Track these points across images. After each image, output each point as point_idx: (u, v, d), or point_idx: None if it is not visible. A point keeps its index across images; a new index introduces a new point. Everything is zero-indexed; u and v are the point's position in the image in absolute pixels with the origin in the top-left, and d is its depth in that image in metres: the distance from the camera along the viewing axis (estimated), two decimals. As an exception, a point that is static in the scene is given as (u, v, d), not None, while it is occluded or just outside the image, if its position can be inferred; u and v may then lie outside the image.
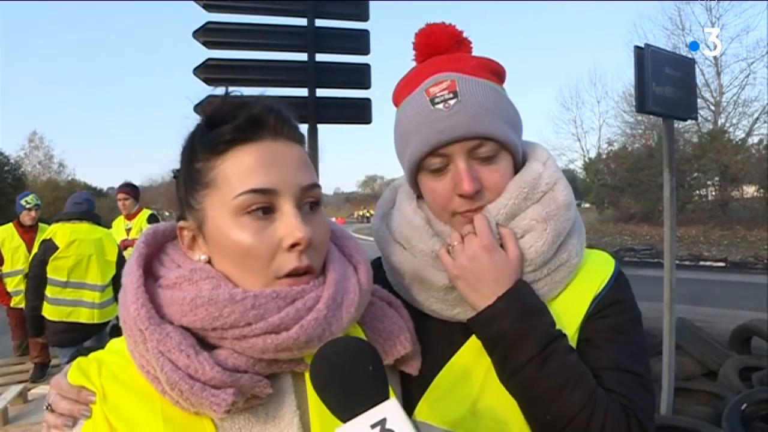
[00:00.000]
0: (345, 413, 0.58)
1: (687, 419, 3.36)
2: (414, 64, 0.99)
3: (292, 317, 0.68)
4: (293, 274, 0.71)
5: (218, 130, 0.72)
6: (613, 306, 0.92)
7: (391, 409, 0.58)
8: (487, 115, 0.89)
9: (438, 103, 0.89)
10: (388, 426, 0.56)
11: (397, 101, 1.00)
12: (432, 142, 0.88)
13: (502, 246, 0.90)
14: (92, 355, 0.74)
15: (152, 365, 0.66)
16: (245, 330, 0.67)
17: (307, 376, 0.73)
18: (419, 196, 1.00)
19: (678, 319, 4.05)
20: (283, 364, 0.72)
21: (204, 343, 0.69)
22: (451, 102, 0.89)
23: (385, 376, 0.62)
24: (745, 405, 3.29)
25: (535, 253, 0.89)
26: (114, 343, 0.76)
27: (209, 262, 0.75)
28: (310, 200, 0.74)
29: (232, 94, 0.78)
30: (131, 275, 0.71)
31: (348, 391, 0.59)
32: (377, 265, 1.02)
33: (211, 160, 0.73)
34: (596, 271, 0.96)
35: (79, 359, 0.73)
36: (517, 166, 0.95)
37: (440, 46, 0.96)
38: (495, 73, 0.95)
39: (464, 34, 0.98)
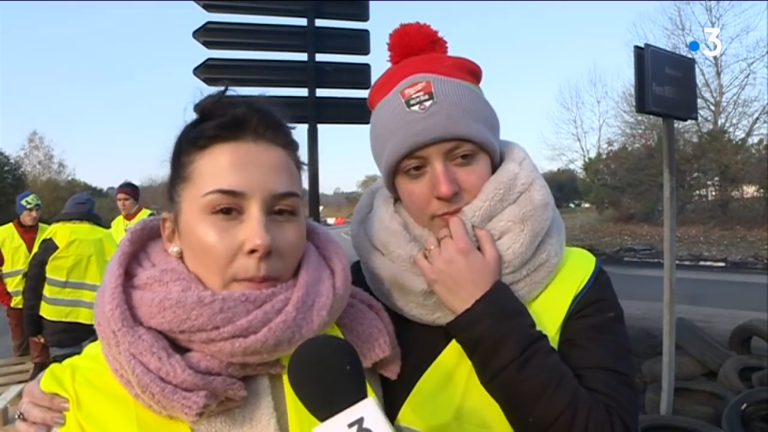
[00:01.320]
0: (322, 412, 0.58)
1: (687, 419, 3.37)
2: (389, 65, 0.99)
3: (260, 320, 0.67)
4: (250, 282, 0.70)
5: (202, 125, 0.73)
6: (594, 305, 0.91)
7: (368, 408, 0.58)
8: (464, 116, 0.88)
9: (413, 104, 0.88)
10: (365, 425, 0.57)
11: (372, 103, 0.99)
12: (408, 144, 0.87)
13: (479, 248, 0.89)
14: (67, 360, 0.73)
15: (125, 368, 0.66)
16: (213, 333, 0.66)
17: (285, 377, 0.73)
18: (397, 200, 0.99)
19: (678, 319, 4.05)
20: (257, 366, 0.71)
21: (177, 346, 0.68)
22: (427, 103, 0.87)
23: (363, 375, 0.62)
24: (745, 405, 3.29)
25: (513, 254, 0.88)
26: (90, 348, 0.75)
27: (182, 255, 0.75)
28: (284, 207, 0.73)
29: (229, 93, 0.78)
30: (111, 274, 0.71)
31: (325, 390, 0.59)
32: (356, 269, 1.01)
33: (192, 154, 0.73)
34: (576, 269, 0.95)
35: (53, 365, 0.72)
36: (495, 166, 0.94)
37: (415, 46, 0.95)
38: (471, 73, 0.95)
39: (439, 34, 0.97)
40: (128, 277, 0.72)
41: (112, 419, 0.66)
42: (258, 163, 0.72)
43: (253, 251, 0.69)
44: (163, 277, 0.70)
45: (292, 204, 0.74)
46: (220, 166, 0.70)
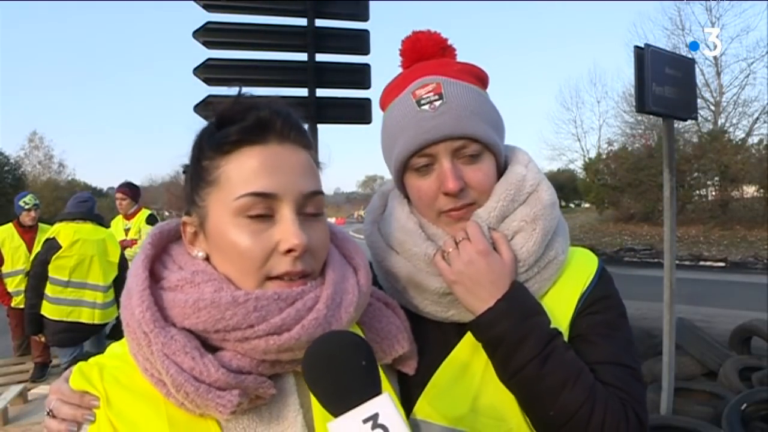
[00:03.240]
0: (337, 408, 0.58)
1: (687, 419, 3.36)
2: (400, 70, 1.03)
3: (293, 318, 0.68)
4: (284, 276, 0.71)
5: (225, 130, 0.73)
6: (601, 302, 0.96)
7: (383, 404, 0.58)
8: (472, 116, 0.92)
9: (424, 104, 0.92)
10: (380, 421, 0.56)
11: (383, 105, 1.03)
12: (418, 141, 0.91)
13: (494, 249, 0.92)
14: (93, 359, 0.74)
15: (156, 368, 0.67)
16: (248, 332, 0.67)
17: None
18: (408, 199, 1.02)
19: (678, 319, 4.05)
20: (285, 364, 0.72)
21: (207, 345, 0.69)
22: (437, 103, 0.92)
23: (378, 371, 0.62)
24: (745, 405, 3.29)
25: (527, 253, 0.92)
26: (114, 347, 0.76)
27: (207, 259, 0.75)
28: (311, 207, 0.75)
29: (245, 95, 0.79)
30: (137, 277, 0.71)
31: (340, 386, 0.59)
32: None
33: (216, 159, 0.73)
34: (582, 267, 0.99)
35: (81, 364, 0.73)
36: (500, 169, 0.98)
37: (426, 52, 0.99)
38: (478, 78, 0.99)
39: (449, 42, 1.02)
40: (153, 279, 0.73)
41: (143, 417, 0.67)
42: (286, 165, 0.73)
43: (290, 251, 0.70)
44: (195, 279, 0.71)
45: (319, 202, 0.76)
46: (249, 170, 0.71)
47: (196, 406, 0.66)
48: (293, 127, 0.75)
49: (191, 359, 0.66)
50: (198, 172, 0.76)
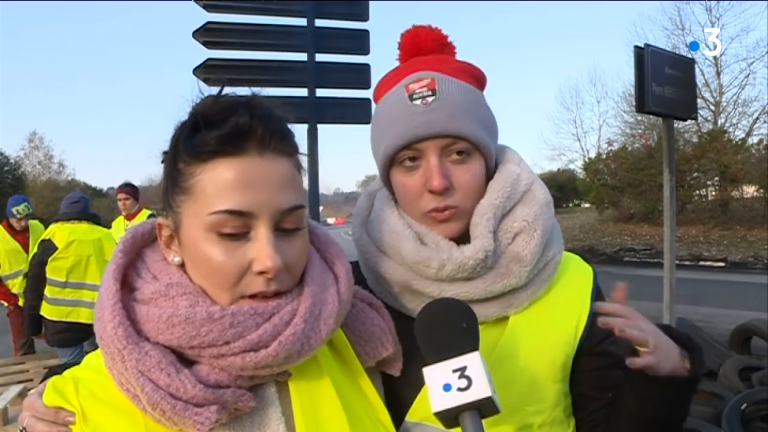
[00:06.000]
0: (435, 357, 0.70)
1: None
2: (393, 64, 1.01)
3: (270, 333, 0.66)
4: (258, 296, 0.69)
5: (203, 136, 0.68)
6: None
7: (472, 359, 0.68)
8: (463, 115, 0.90)
9: (416, 99, 0.91)
10: (467, 373, 0.67)
11: (377, 97, 1.01)
12: (408, 136, 0.90)
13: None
14: (67, 373, 0.72)
15: (132, 384, 0.64)
16: (223, 349, 0.65)
17: (290, 384, 0.72)
18: (394, 198, 1.00)
19: (678, 319, 4.05)
20: (265, 376, 0.70)
21: (182, 359, 0.67)
22: (429, 99, 0.90)
23: (477, 334, 0.72)
24: (745, 405, 3.29)
25: (531, 254, 0.90)
26: (90, 358, 0.74)
27: (183, 265, 0.73)
28: (290, 222, 0.71)
29: (225, 94, 0.74)
30: (108, 290, 0.68)
31: (442, 340, 0.71)
32: (353, 269, 1.03)
33: (192, 164, 0.69)
34: (578, 268, 1.00)
35: (54, 378, 0.71)
36: (489, 171, 0.96)
37: (424, 47, 0.98)
38: (475, 77, 0.97)
39: (449, 39, 1.00)
40: (127, 287, 0.71)
41: (121, 431, 0.65)
42: (265, 179, 0.68)
43: (262, 272, 0.67)
44: (169, 292, 0.68)
45: (299, 216, 0.72)
46: (225, 184, 0.67)
47: (173, 423, 0.64)
48: (274, 134, 0.70)
49: (167, 376, 0.63)
50: (173, 175, 0.71)
